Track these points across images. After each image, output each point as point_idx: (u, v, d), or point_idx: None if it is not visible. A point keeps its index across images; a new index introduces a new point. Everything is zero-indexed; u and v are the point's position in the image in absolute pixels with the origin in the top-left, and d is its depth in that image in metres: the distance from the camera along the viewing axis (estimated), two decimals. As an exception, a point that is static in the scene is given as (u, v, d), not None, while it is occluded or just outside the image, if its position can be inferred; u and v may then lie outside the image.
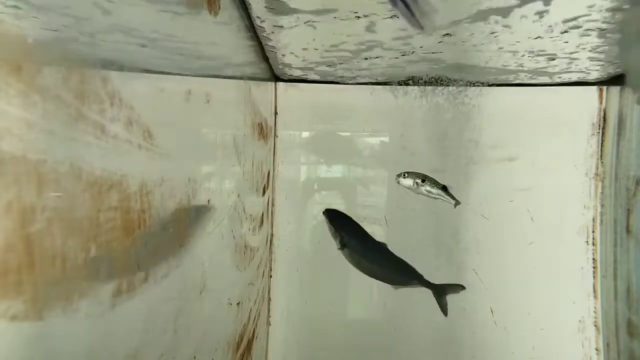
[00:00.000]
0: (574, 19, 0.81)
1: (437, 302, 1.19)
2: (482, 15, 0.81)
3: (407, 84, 1.29)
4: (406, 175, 1.18)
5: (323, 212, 1.24)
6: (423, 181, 1.16)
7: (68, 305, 0.36)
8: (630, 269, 1.11)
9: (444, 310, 1.20)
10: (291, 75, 1.29)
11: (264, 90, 1.21)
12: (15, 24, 0.31)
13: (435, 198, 1.18)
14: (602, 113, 1.25)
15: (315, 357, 1.37)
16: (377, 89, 1.31)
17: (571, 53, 0.99)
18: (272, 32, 0.93)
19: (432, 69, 1.15)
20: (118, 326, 0.46)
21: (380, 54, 1.04)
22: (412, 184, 1.17)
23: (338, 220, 1.21)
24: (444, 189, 1.16)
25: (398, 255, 1.19)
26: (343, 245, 1.18)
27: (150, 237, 0.51)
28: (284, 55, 1.09)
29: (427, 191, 1.17)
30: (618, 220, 1.17)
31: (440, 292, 1.20)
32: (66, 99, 0.36)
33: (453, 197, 1.17)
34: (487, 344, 1.31)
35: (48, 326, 0.34)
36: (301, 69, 1.21)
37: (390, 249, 1.19)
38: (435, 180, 1.18)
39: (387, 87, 1.31)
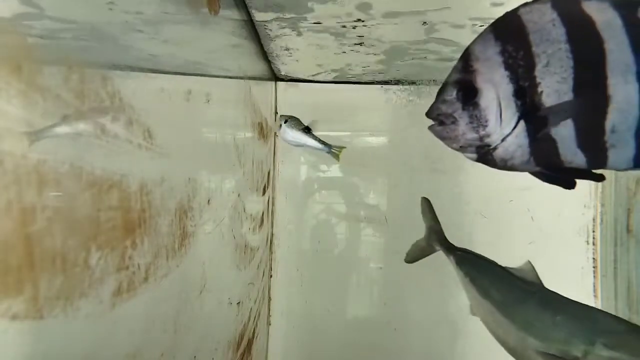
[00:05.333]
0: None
1: None
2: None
3: (408, 84, 1.29)
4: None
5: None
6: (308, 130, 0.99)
7: (68, 305, 0.36)
8: (630, 269, 1.11)
9: None
10: (291, 75, 1.29)
11: (264, 90, 1.21)
12: (16, 24, 0.31)
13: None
14: (602, 113, 1.25)
15: (315, 357, 1.37)
16: (378, 88, 1.31)
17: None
18: (272, 32, 0.93)
19: (432, 69, 1.15)
20: (118, 326, 0.46)
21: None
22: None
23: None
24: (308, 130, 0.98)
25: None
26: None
27: (150, 237, 0.51)
28: (284, 54, 1.09)
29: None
30: (618, 219, 1.17)
31: None
32: (66, 99, 0.36)
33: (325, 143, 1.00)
34: (487, 343, 1.30)
35: (48, 326, 0.34)
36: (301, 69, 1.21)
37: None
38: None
39: (388, 87, 1.31)
